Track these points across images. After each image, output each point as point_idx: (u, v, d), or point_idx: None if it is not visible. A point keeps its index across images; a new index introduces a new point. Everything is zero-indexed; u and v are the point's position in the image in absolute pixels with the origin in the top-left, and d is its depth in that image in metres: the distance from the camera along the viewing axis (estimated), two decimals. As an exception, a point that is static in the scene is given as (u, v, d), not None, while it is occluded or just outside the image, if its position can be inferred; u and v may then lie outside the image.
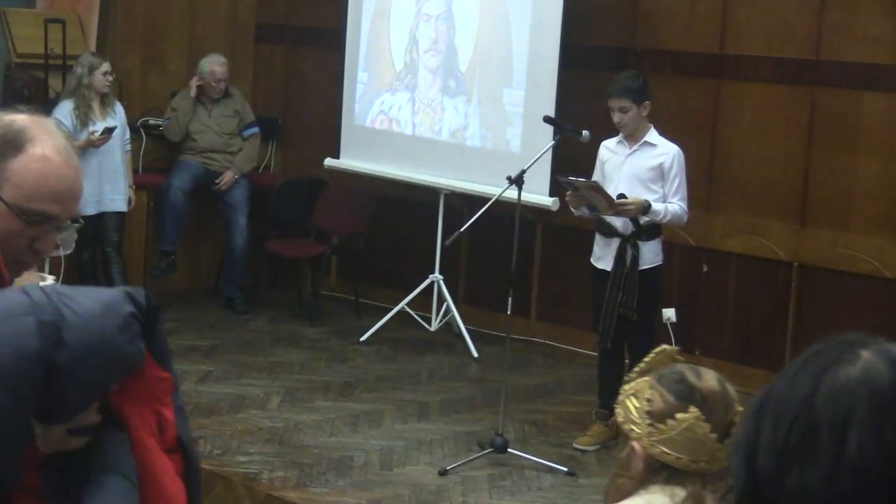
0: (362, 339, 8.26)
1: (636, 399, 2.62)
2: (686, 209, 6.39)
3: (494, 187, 6.99)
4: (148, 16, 9.50)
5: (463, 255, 8.68)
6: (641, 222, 6.35)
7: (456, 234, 6.60)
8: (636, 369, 2.70)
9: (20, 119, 2.33)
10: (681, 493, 2.54)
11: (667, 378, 2.61)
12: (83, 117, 8.08)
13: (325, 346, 8.19)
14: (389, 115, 8.78)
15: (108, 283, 8.44)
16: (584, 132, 6.67)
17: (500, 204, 6.70)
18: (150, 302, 2.04)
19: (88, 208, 8.17)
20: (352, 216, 9.01)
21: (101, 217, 8.30)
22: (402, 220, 8.99)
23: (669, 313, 7.50)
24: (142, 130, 9.17)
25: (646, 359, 2.71)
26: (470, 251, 8.66)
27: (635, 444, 2.58)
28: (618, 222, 6.40)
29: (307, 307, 8.94)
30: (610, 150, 6.54)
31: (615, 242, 6.40)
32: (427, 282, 8.25)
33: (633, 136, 6.43)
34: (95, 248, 8.47)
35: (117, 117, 8.30)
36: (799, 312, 7.38)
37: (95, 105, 8.19)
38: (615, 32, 8.08)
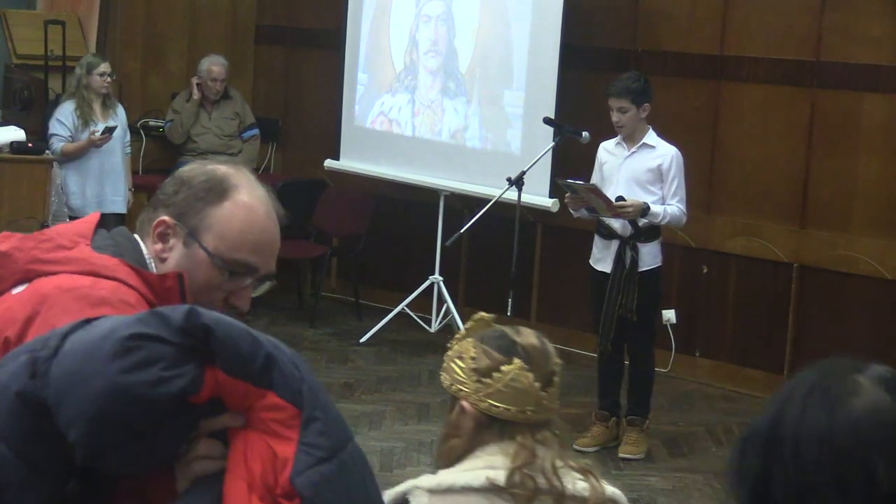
0: (362, 340, 8.26)
1: (461, 360, 2.74)
2: (685, 211, 6.39)
3: (494, 188, 6.99)
4: (148, 17, 9.51)
5: (463, 256, 8.68)
6: (640, 224, 6.35)
7: (456, 235, 6.61)
8: (456, 336, 2.83)
9: (222, 167, 2.22)
10: (513, 446, 2.66)
11: (489, 336, 2.78)
12: (84, 118, 8.09)
13: (326, 348, 8.19)
14: (389, 117, 8.78)
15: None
16: (584, 133, 6.67)
17: (500, 205, 6.70)
18: (196, 320, 1.69)
19: (89, 209, 8.18)
20: (352, 217, 9.01)
21: (101, 218, 8.29)
22: (403, 221, 8.99)
23: (669, 315, 7.50)
24: (142, 132, 9.18)
25: (465, 326, 2.86)
26: (470, 252, 8.66)
27: (464, 403, 2.69)
28: (616, 224, 6.40)
29: (307, 308, 8.94)
30: (608, 152, 6.54)
31: (614, 244, 6.40)
32: (427, 283, 8.25)
33: (632, 138, 6.43)
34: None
35: (118, 118, 8.31)
36: (799, 314, 7.37)
37: (96, 106, 8.19)
38: (615, 34, 8.08)
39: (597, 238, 6.56)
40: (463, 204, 8.20)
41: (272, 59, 10.01)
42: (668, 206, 6.33)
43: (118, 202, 8.33)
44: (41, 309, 1.97)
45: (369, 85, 8.91)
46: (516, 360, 2.72)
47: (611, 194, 6.30)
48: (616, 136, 6.49)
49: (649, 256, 6.41)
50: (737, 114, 7.66)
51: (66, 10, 9.16)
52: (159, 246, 2.18)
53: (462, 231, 6.61)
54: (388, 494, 2.63)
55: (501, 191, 6.60)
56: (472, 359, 2.73)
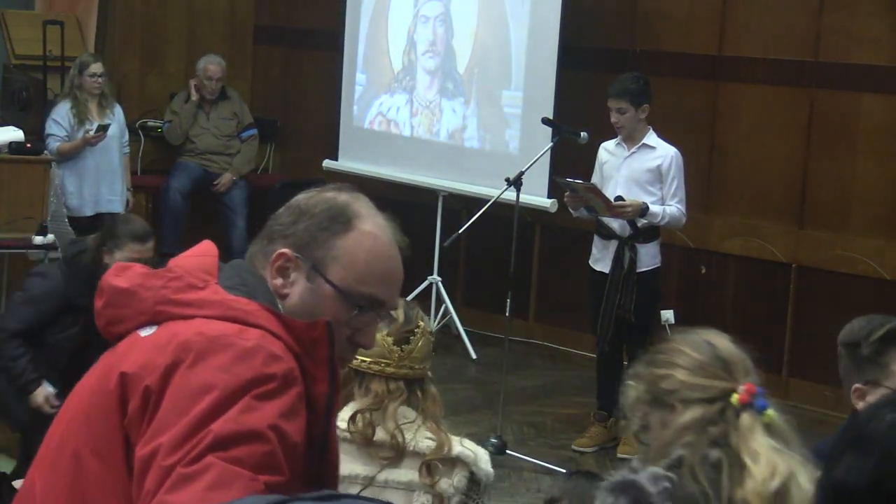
0: (361, 340, 8.24)
1: None
2: (684, 211, 6.39)
3: (493, 189, 6.99)
4: (146, 17, 9.51)
5: (461, 256, 8.68)
6: (639, 224, 6.35)
7: (454, 235, 6.61)
8: None
9: (342, 195, 2.09)
10: (368, 398, 2.97)
11: None
12: (80, 117, 8.08)
13: (324, 348, 8.17)
14: (388, 117, 8.79)
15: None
16: (582, 134, 6.67)
17: (499, 205, 6.70)
18: None
19: (86, 209, 8.18)
20: (350, 218, 9.01)
21: (99, 218, 8.29)
22: (401, 221, 8.93)
23: (668, 315, 7.50)
24: (140, 132, 9.17)
25: None
26: (468, 253, 8.66)
27: None
28: (615, 224, 6.40)
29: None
30: (608, 152, 6.54)
31: (613, 245, 6.40)
32: (426, 283, 8.24)
33: (632, 138, 6.43)
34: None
35: (115, 119, 8.30)
36: (797, 314, 7.37)
37: (92, 106, 8.18)
38: (614, 34, 8.08)
39: (596, 238, 6.56)
40: (461, 204, 8.20)
41: (271, 59, 10.00)
42: (668, 206, 6.33)
43: (115, 202, 8.32)
44: (184, 357, 1.86)
45: (367, 85, 8.91)
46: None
47: (610, 194, 6.30)
48: (616, 136, 6.50)
49: (648, 257, 6.41)
50: (735, 114, 7.66)
51: (65, 10, 9.15)
52: (279, 281, 2.03)
53: (460, 231, 6.61)
54: None
55: (500, 191, 6.60)
56: None
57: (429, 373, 3.09)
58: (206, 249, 2.11)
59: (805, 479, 2.29)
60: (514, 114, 8.03)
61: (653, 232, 6.44)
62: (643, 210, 6.24)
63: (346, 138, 8.98)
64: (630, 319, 6.33)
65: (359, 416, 2.93)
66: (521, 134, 7.97)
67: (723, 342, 2.42)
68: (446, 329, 8.33)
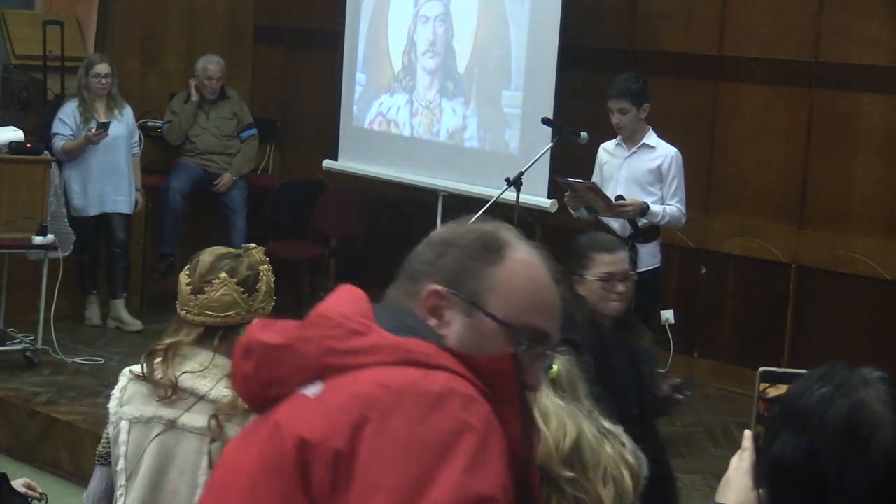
0: (361, 340, 8.24)
1: None
2: (684, 211, 6.39)
3: (493, 189, 6.98)
4: (146, 17, 9.50)
5: (461, 256, 8.67)
6: (640, 224, 6.35)
7: (454, 235, 6.60)
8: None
9: (485, 224, 1.93)
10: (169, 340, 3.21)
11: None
12: (86, 116, 8.09)
13: (324, 348, 8.17)
14: (388, 117, 8.78)
15: (111, 283, 8.44)
16: (582, 134, 6.67)
17: (499, 205, 6.70)
18: None
19: (91, 209, 8.19)
20: (350, 218, 9.00)
21: (103, 218, 8.30)
22: (401, 221, 8.97)
23: (668, 315, 7.49)
24: (140, 132, 9.17)
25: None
26: (468, 253, 8.65)
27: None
28: (616, 224, 6.40)
29: (306, 309, 8.90)
30: (608, 153, 6.54)
31: (613, 244, 6.39)
32: (425, 283, 8.24)
33: (632, 138, 6.43)
34: (97, 249, 8.47)
35: (124, 119, 8.30)
36: (797, 314, 7.37)
37: (99, 106, 8.19)
38: (614, 34, 8.08)
39: (596, 238, 6.55)
40: (461, 204, 8.19)
41: (270, 59, 10.00)
42: (668, 206, 6.33)
43: (121, 202, 8.32)
44: (370, 414, 1.67)
45: (367, 85, 8.90)
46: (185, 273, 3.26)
47: (611, 195, 6.30)
48: (616, 136, 6.50)
49: (648, 257, 6.41)
50: (735, 114, 7.66)
51: (65, 10, 9.15)
52: (433, 322, 1.84)
53: (460, 231, 6.60)
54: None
55: (500, 191, 6.60)
56: None
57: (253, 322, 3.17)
58: (352, 293, 1.92)
59: (592, 431, 2.46)
60: (514, 114, 8.03)
61: (653, 232, 6.44)
62: (643, 209, 6.24)
63: (346, 138, 8.97)
64: (630, 319, 6.32)
65: (154, 354, 3.15)
66: (521, 134, 7.96)
67: None
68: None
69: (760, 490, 1.87)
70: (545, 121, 6.99)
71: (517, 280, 1.84)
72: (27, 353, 7.51)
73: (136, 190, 8.43)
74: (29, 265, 7.78)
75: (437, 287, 1.85)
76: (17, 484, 4.02)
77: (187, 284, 3.19)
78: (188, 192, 8.90)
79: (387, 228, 8.97)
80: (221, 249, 3.28)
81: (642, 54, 7.93)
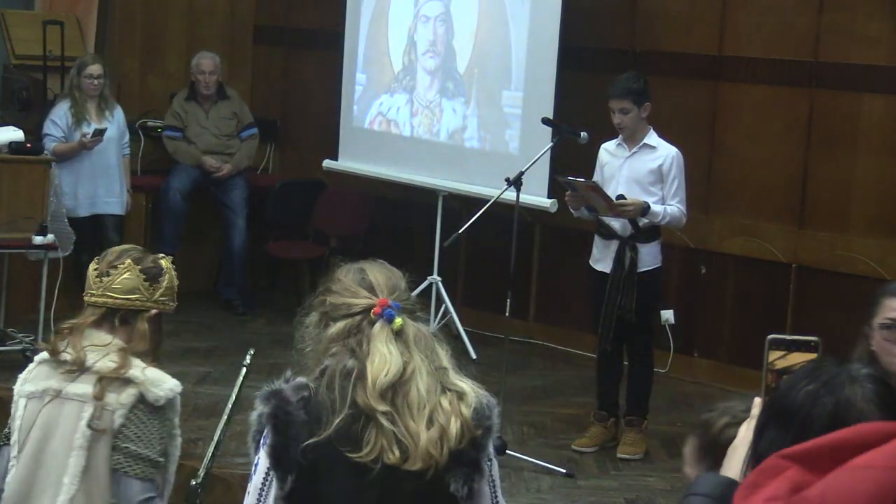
0: (361, 340, 8.23)
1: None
2: (685, 211, 6.39)
3: (493, 189, 6.99)
4: (146, 17, 9.51)
5: (461, 256, 8.68)
6: (640, 224, 6.34)
7: (454, 235, 6.61)
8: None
9: None
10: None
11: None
12: (78, 118, 8.07)
13: (324, 348, 8.17)
14: (388, 117, 8.78)
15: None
16: (582, 134, 6.67)
17: (499, 205, 6.70)
18: None
19: (82, 210, 8.17)
20: (350, 218, 9.00)
21: (97, 219, 8.29)
22: (401, 221, 8.98)
23: (668, 315, 7.50)
24: (140, 132, 9.17)
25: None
26: (468, 253, 8.66)
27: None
28: (616, 224, 6.40)
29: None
30: (609, 153, 6.54)
31: (614, 244, 6.39)
32: (426, 283, 8.24)
33: (633, 138, 6.43)
34: (94, 250, 8.46)
35: (114, 120, 8.27)
36: (797, 314, 7.37)
37: (91, 107, 8.16)
38: (614, 34, 8.08)
39: (596, 238, 6.55)
40: (461, 204, 8.20)
41: (271, 59, 10.00)
42: (669, 206, 6.33)
43: (112, 203, 8.31)
44: None
45: (368, 85, 8.91)
46: (129, 261, 3.47)
47: (612, 195, 6.29)
48: (617, 136, 6.50)
49: (649, 257, 6.41)
50: (735, 114, 7.66)
51: (65, 10, 9.15)
52: None
53: (460, 231, 6.60)
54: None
55: (500, 191, 6.60)
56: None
57: (153, 312, 3.44)
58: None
59: (429, 381, 2.68)
60: (514, 114, 8.03)
61: (654, 232, 6.44)
62: (644, 209, 6.24)
63: (346, 138, 8.97)
64: (631, 320, 6.32)
65: (59, 334, 3.41)
66: (521, 134, 7.96)
67: (373, 268, 2.88)
68: (446, 329, 8.34)
69: None
70: (545, 121, 6.99)
71: None
72: (27, 353, 7.51)
73: (127, 191, 8.42)
74: (29, 265, 7.78)
75: None
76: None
77: (94, 269, 3.44)
78: (188, 192, 8.90)
79: (387, 228, 8.97)
80: (132, 246, 3.57)
81: (642, 54, 7.93)
